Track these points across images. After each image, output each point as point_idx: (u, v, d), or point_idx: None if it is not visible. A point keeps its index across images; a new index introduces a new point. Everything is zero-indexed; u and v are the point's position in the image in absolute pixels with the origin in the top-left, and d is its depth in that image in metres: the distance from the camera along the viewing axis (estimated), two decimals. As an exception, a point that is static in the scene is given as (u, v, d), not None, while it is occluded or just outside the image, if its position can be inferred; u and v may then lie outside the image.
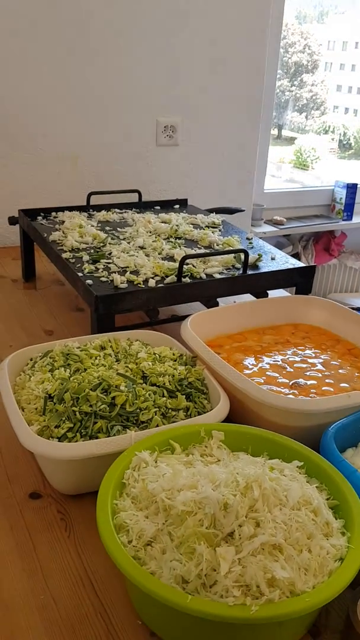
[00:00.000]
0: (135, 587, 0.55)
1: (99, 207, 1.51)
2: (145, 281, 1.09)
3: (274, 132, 3.03)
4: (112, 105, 1.83)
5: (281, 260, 1.25)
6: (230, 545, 0.55)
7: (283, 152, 3.14)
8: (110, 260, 1.17)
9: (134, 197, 1.56)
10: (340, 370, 0.98)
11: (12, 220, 1.44)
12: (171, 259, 1.20)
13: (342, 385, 0.94)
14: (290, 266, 1.21)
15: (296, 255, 2.57)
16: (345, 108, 3.23)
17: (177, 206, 1.63)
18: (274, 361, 0.99)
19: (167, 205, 1.62)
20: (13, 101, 1.69)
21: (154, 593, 0.52)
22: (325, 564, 0.57)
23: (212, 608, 0.51)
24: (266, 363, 0.99)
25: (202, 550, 0.55)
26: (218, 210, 1.62)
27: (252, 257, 1.21)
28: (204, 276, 1.14)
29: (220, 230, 1.42)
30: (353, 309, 1.13)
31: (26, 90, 1.69)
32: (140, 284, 1.07)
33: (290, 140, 3.19)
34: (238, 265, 1.19)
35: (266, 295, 1.20)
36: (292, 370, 0.97)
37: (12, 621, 0.61)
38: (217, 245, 1.30)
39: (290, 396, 0.87)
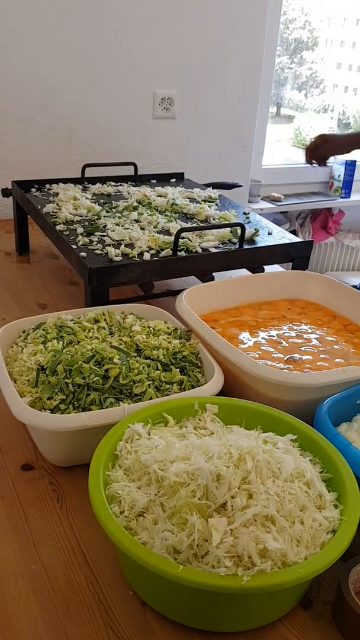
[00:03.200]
0: (127, 557, 0.54)
1: (94, 180, 1.48)
2: (140, 254, 1.07)
3: (273, 109, 2.98)
4: (109, 76, 1.79)
5: (278, 235, 1.23)
6: (222, 516, 0.55)
7: (281, 130, 3.09)
8: (104, 233, 1.15)
9: (129, 170, 1.54)
10: (335, 346, 0.97)
11: (6, 192, 1.42)
12: (167, 232, 1.19)
13: (337, 360, 0.93)
14: (287, 241, 1.20)
15: (293, 233, 2.54)
16: (345, 86, 3.17)
17: (173, 180, 1.60)
18: (269, 336, 0.99)
19: (163, 179, 1.59)
20: (6, 72, 1.65)
21: (145, 563, 0.52)
22: (318, 535, 0.57)
23: (203, 578, 0.51)
24: (261, 338, 0.98)
25: (194, 520, 0.54)
26: (215, 185, 1.60)
27: (248, 231, 1.19)
28: (199, 250, 1.12)
29: (217, 205, 1.40)
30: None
31: (20, 60, 1.65)
32: (135, 257, 1.06)
33: (289, 119, 3.15)
34: (234, 240, 1.18)
35: (262, 270, 1.18)
36: (287, 345, 0.96)
37: (3, 590, 0.61)
38: (214, 219, 1.29)
39: (285, 371, 0.87)
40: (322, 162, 1.70)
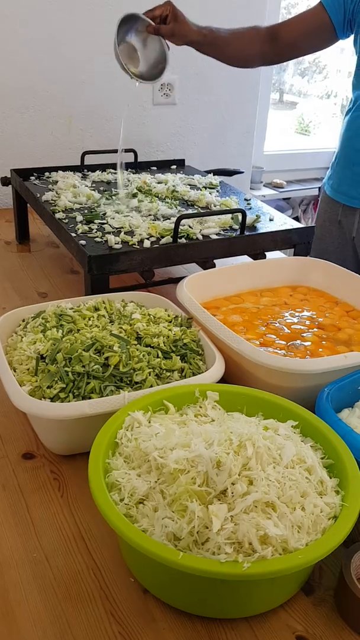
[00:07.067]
0: (128, 545, 0.54)
1: (93, 167, 1.47)
2: (140, 242, 1.06)
3: (275, 96, 2.94)
4: (108, 63, 1.76)
5: (279, 221, 1.22)
6: (222, 502, 0.55)
7: (284, 117, 3.06)
8: (104, 221, 1.14)
9: (129, 157, 1.52)
10: (338, 332, 0.97)
11: (5, 181, 1.41)
12: (167, 219, 1.18)
13: (339, 347, 0.92)
14: (289, 227, 1.19)
15: (296, 219, 2.52)
16: (349, 72, 3.13)
17: (174, 167, 1.59)
18: (271, 323, 0.98)
19: (163, 166, 1.58)
20: (4, 59, 1.63)
21: (145, 550, 0.52)
22: (319, 522, 0.56)
23: (203, 564, 0.51)
24: (263, 325, 0.97)
25: (195, 507, 0.54)
26: (216, 172, 1.58)
27: (249, 217, 1.18)
28: (200, 237, 1.11)
29: (218, 192, 1.39)
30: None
31: (18, 47, 1.63)
32: (135, 244, 1.05)
33: (292, 105, 3.11)
34: (236, 227, 1.17)
35: (264, 257, 1.17)
36: (289, 331, 0.96)
37: (5, 578, 0.61)
38: (215, 206, 1.28)
39: (287, 357, 0.86)
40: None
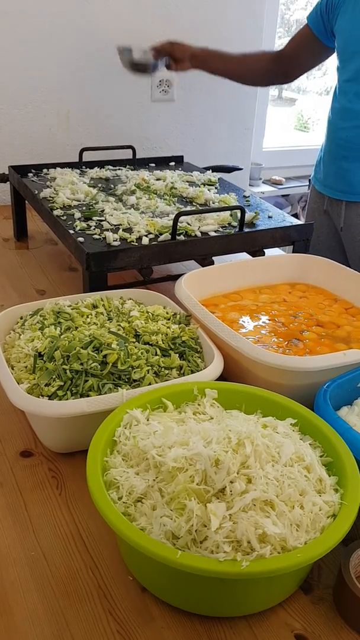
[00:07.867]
0: (126, 543, 0.54)
1: (91, 164, 1.46)
2: (139, 239, 1.06)
3: (274, 92, 2.94)
4: (106, 59, 1.76)
5: (278, 219, 1.22)
6: (221, 501, 0.55)
7: (283, 113, 3.05)
8: (102, 218, 1.14)
9: (128, 154, 1.52)
10: (336, 330, 0.96)
11: (3, 178, 1.40)
12: (166, 216, 1.17)
13: (338, 344, 0.92)
14: (288, 224, 1.18)
15: (295, 216, 2.51)
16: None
17: (172, 163, 1.58)
18: (269, 320, 0.98)
19: (162, 162, 1.57)
20: (3, 56, 1.62)
21: (143, 549, 0.52)
22: (318, 520, 0.56)
23: (202, 563, 0.51)
24: (262, 322, 0.97)
25: (193, 506, 0.54)
26: (215, 169, 1.57)
27: (248, 214, 1.18)
28: (199, 234, 1.11)
29: (216, 188, 1.38)
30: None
31: (16, 44, 1.62)
32: (133, 241, 1.05)
33: (291, 101, 3.10)
34: (234, 224, 1.16)
35: (263, 254, 1.17)
36: (287, 329, 0.95)
37: (2, 577, 0.61)
38: (213, 202, 1.27)
39: (285, 355, 0.86)
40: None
